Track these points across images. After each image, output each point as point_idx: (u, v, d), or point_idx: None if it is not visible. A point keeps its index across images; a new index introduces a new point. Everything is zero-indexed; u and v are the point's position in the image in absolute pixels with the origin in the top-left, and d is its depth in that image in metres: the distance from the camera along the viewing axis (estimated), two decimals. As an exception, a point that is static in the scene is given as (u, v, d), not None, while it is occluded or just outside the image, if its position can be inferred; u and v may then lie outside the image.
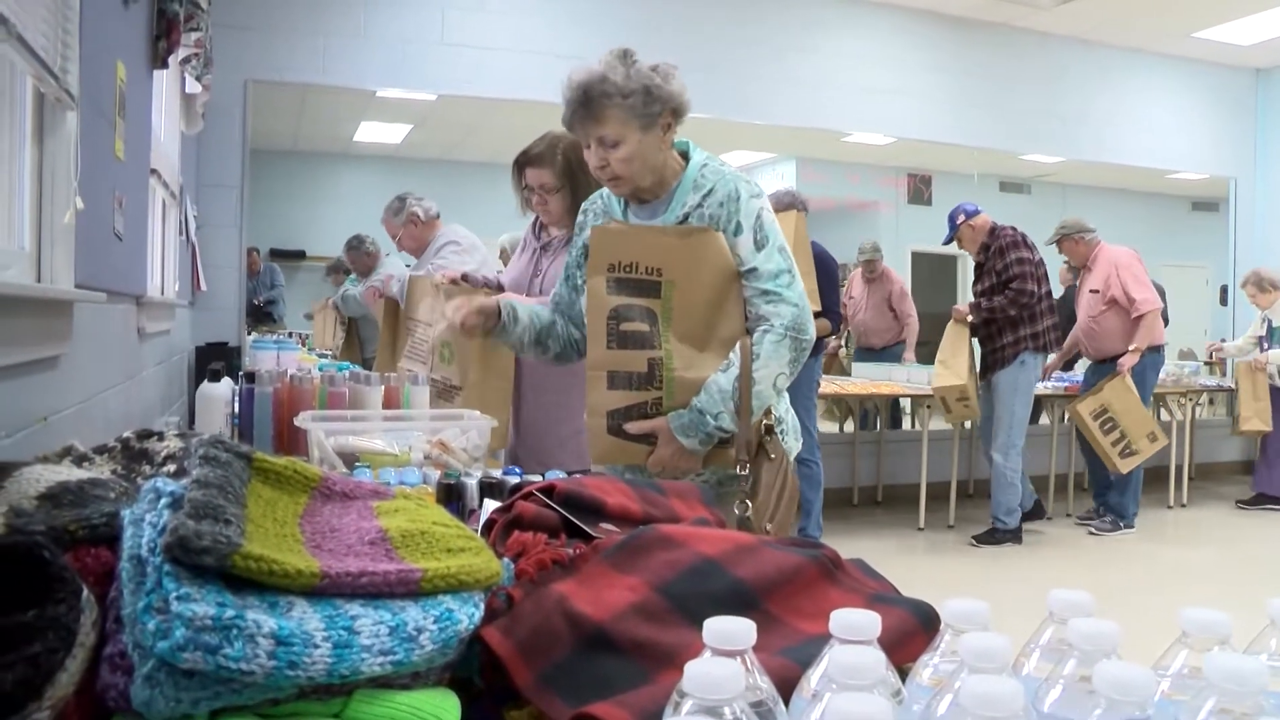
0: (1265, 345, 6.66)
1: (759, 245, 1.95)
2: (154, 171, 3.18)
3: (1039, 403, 6.36)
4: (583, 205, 2.20)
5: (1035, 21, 7.04)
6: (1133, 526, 5.96)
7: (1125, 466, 5.79)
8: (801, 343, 1.95)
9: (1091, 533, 5.96)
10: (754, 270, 1.94)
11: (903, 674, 0.66)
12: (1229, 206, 8.16)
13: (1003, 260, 5.44)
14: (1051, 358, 5.90)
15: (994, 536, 5.61)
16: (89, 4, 1.96)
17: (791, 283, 1.96)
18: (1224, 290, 8.28)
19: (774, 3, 6.37)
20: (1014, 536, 5.61)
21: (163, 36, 2.99)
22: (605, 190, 2.11)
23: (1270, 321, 6.64)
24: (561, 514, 0.94)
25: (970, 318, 5.54)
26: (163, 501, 0.78)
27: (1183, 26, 7.11)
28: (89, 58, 1.96)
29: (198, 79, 3.63)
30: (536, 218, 2.87)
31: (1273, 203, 8.07)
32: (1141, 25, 7.07)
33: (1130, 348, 5.77)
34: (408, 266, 4.87)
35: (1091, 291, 5.97)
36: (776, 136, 6.73)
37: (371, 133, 6.51)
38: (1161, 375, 6.82)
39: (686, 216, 1.96)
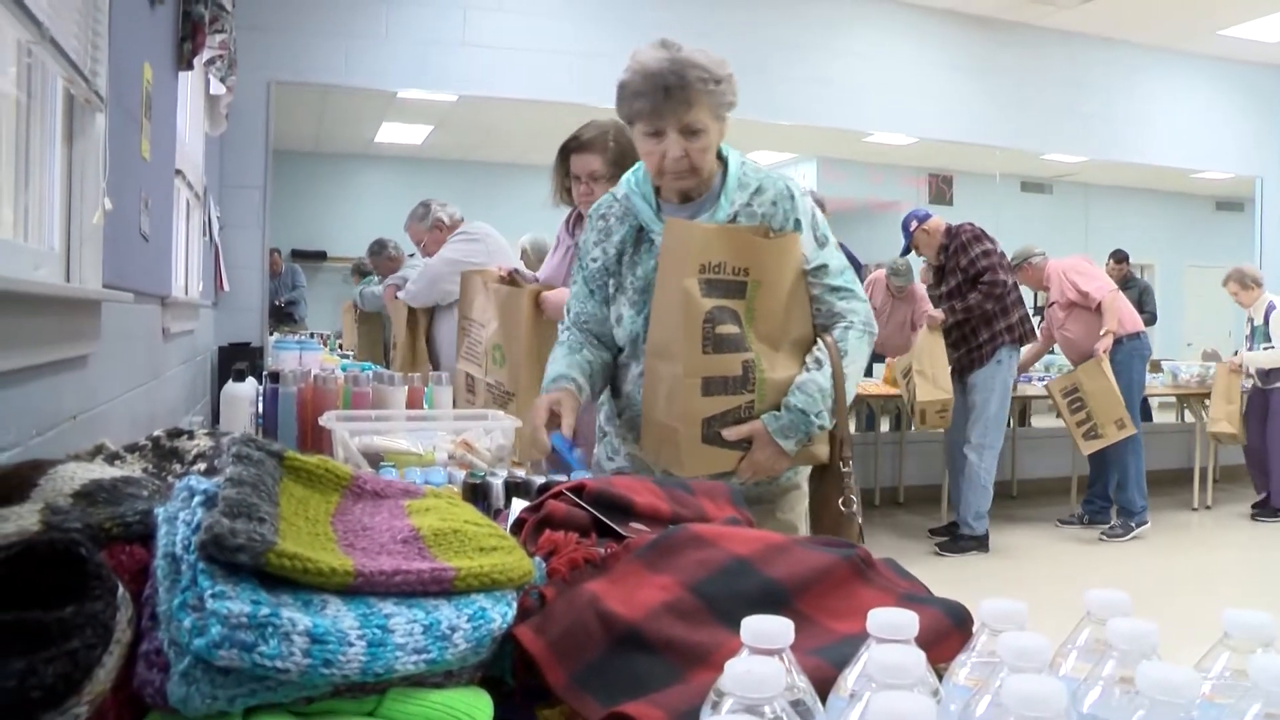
0: (1249, 345, 6.50)
1: (820, 242, 1.94)
2: (179, 172, 3.20)
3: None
4: (594, 209, 2.08)
5: (1057, 20, 6.99)
6: (1146, 522, 5.85)
7: (1087, 449, 5.71)
8: (873, 338, 1.96)
9: (1102, 539, 5.83)
10: (823, 267, 1.91)
11: (937, 674, 0.66)
12: (1255, 206, 8.08)
13: (966, 255, 5.33)
14: (1025, 352, 5.86)
15: (958, 544, 5.45)
16: (118, 6, 1.98)
17: (855, 278, 1.97)
18: (1250, 290, 8.20)
19: (795, 3, 6.35)
20: (980, 544, 5.45)
21: (188, 38, 3.01)
22: (624, 190, 2.02)
23: (1253, 320, 6.47)
24: (592, 513, 0.94)
25: (945, 321, 5.43)
26: (196, 499, 0.78)
27: (1208, 24, 7.05)
28: (117, 60, 1.98)
29: (222, 80, 3.65)
30: (571, 213, 2.80)
31: (1299, 202, 8.00)
32: (1165, 23, 7.02)
33: (1101, 332, 5.66)
34: None
35: (1050, 305, 5.95)
36: (798, 136, 6.72)
37: (392, 134, 6.54)
38: (1186, 376, 6.77)
39: (735, 216, 1.91)
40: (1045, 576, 5.11)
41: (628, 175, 2.03)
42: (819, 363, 1.87)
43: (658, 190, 1.97)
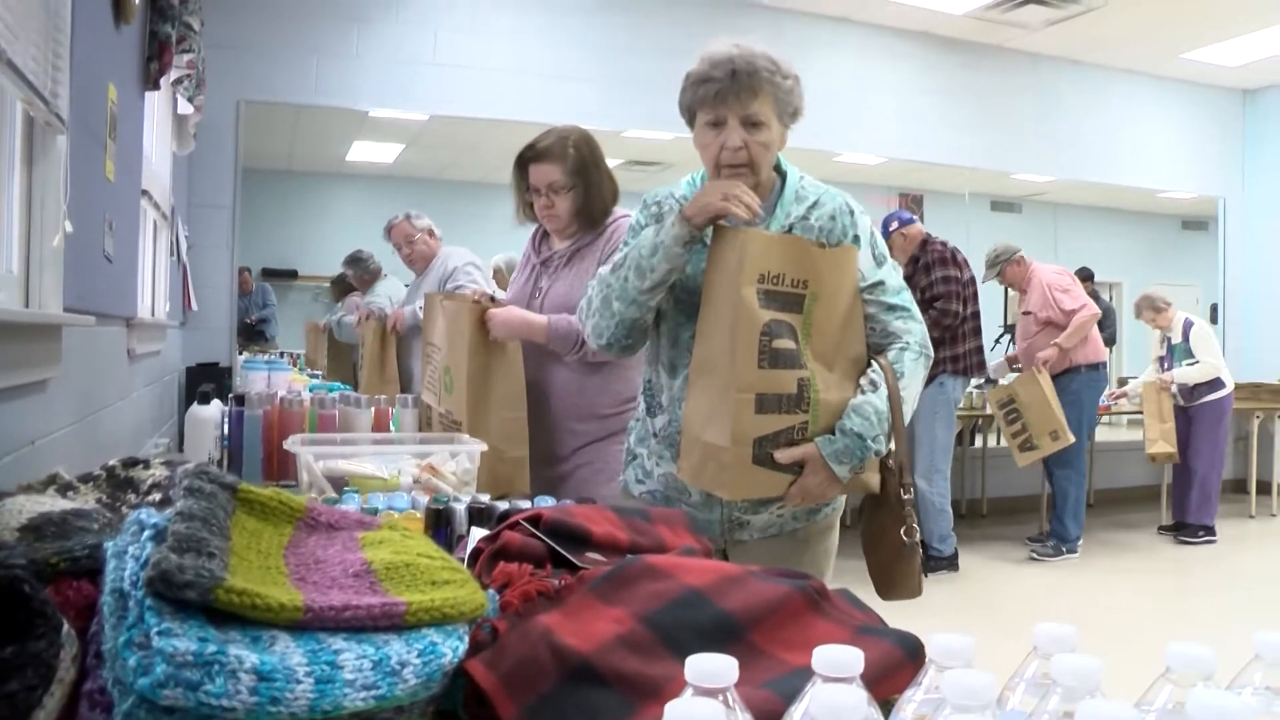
0: (1166, 365, 6.50)
1: (878, 260, 1.87)
2: (145, 193, 3.18)
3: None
4: (649, 196, 1.97)
5: (1026, 42, 7.09)
6: (1076, 551, 5.81)
7: (1022, 461, 5.68)
8: (929, 361, 1.89)
9: (1033, 557, 5.81)
10: (880, 284, 1.85)
11: (888, 706, 0.66)
12: (1218, 226, 8.20)
13: (928, 277, 5.27)
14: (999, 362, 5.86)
15: (927, 565, 5.38)
16: (80, 27, 1.96)
17: (912, 299, 1.90)
18: (1214, 309, 8.31)
19: (766, 24, 6.40)
20: (950, 564, 5.43)
21: (155, 58, 3.00)
22: (683, 190, 1.93)
23: (1170, 340, 6.48)
24: (547, 544, 0.94)
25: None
26: (146, 534, 0.78)
27: (1171, 48, 7.17)
28: (80, 80, 1.96)
29: (190, 100, 3.64)
30: (536, 231, 2.63)
31: (1261, 222, 8.12)
32: (1131, 46, 7.13)
33: (1053, 341, 5.64)
34: (406, 285, 4.84)
35: (1024, 314, 5.90)
36: (768, 156, 6.74)
37: (364, 152, 6.52)
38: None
39: (791, 229, 1.83)
40: (1013, 595, 5.14)
41: (688, 176, 1.96)
42: (874, 385, 1.78)
43: None
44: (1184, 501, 6.43)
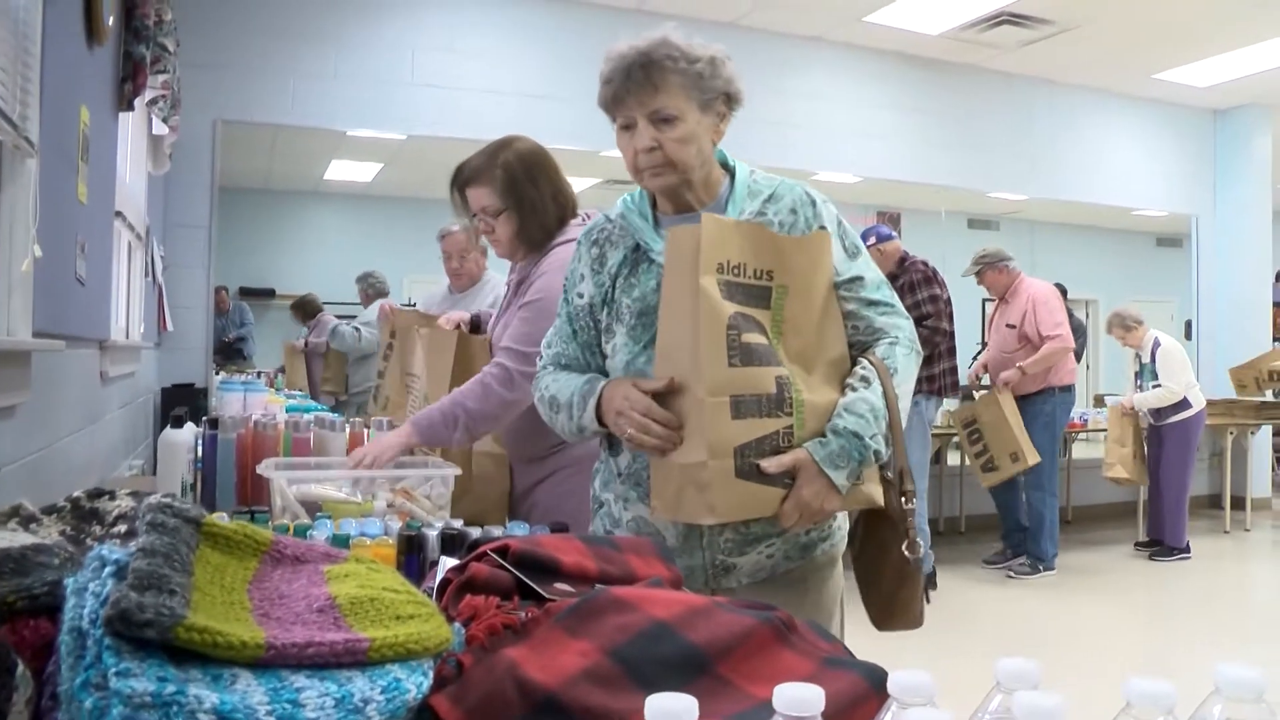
0: (1139, 384, 6.51)
1: (851, 253, 1.69)
2: (119, 214, 3.17)
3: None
4: (584, 234, 1.81)
5: (1001, 63, 7.16)
6: (1053, 569, 5.82)
7: (986, 481, 5.66)
8: (920, 358, 1.71)
9: (1010, 575, 5.80)
10: (858, 279, 1.66)
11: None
12: (1191, 243, 8.29)
13: (913, 296, 5.22)
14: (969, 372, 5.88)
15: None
16: (51, 49, 1.96)
17: (894, 293, 1.72)
18: (1189, 325, 8.39)
19: (742, 44, 6.43)
20: (928, 582, 5.42)
21: (129, 79, 2.99)
22: (619, 209, 1.77)
23: (1140, 357, 6.50)
24: (515, 575, 0.93)
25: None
26: (107, 570, 0.77)
27: (1143, 69, 7.26)
28: (51, 103, 1.96)
29: (165, 120, 3.62)
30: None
31: (1232, 239, 8.22)
32: (1103, 67, 7.21)
33: (1018, 364, 5.63)
34: (410, 304, 4.65)
35: (1008, 326, 5.84)
36: (746, 175, 6.77)
37: (342, 171, 6.52)
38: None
39: None
40: (990, 614, 5.15)
41: (624, 196, 1.78)
42: (866, 381, 1.59)
43: (654, 205, 1.74)
44: (1158, 519, 6.45)
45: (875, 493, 1.61)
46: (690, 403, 1.51)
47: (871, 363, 1.61)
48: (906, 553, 1.62)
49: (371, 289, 5.82)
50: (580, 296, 1.76)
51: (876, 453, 1.56)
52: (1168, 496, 6.35)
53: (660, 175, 1.64)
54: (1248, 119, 8.12)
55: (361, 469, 2.11)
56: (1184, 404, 6.31)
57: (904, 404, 1.62)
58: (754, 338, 1.51)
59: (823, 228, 1.66)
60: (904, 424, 1.62)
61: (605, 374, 1.73)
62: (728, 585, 1.66)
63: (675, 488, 1.53)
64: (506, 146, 2.30)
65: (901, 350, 1.65)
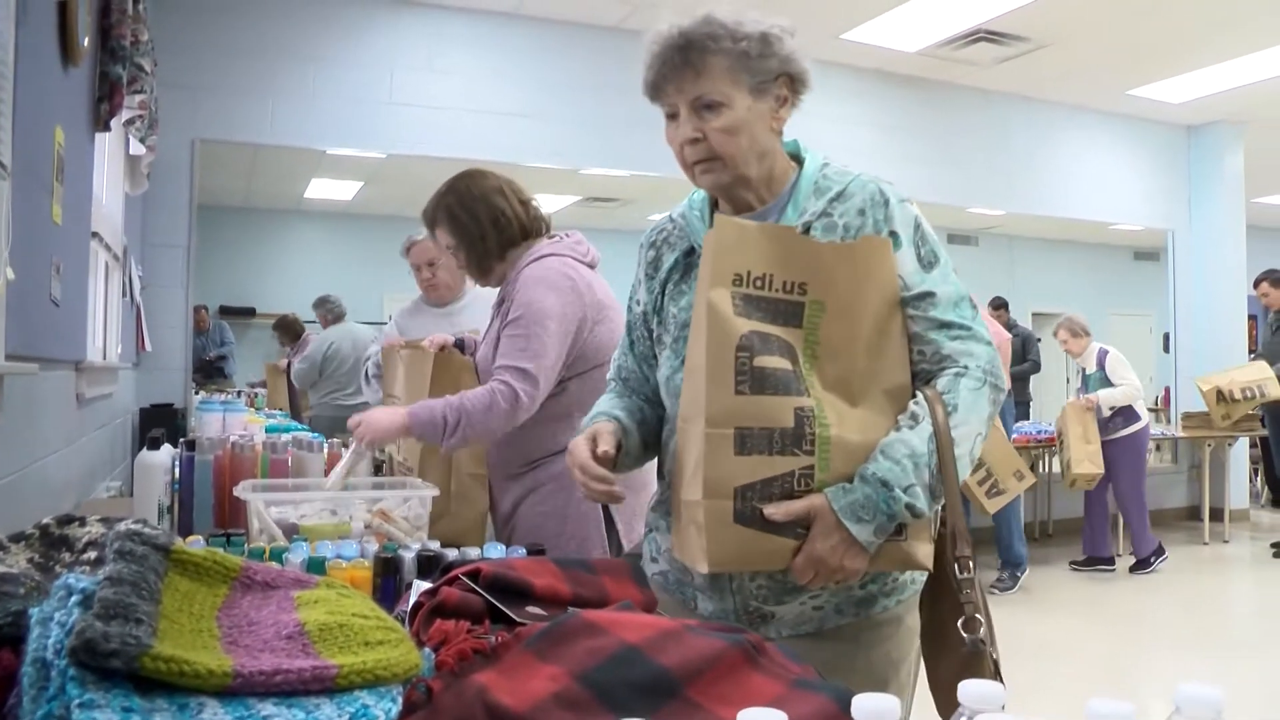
0: (1082, 393, 6.46)
1: (926, 264, 1.45)
2: (95, 234, 3.15)
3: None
4: (644, 238, 1.65)
5: (977, 79, 7.22)
6: (1025, 569, 5.82)
7: (993, 506, 5.55)
8: (1000, 394, 1.44)
9: (993, 590, 5.73)
10: (928, 296, 1.42)
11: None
12: (1168, 257, 8.37)
13: None
14: None
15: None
16: (25, 70, 1.95)
17: (976, 315, 1.47)
18: (1166, 338, 8.46)
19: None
20: None
21: (105, 99, 2.98)
22: (681, 209, 1.60)
23: (1084, 370, 6.47)
24: (486, 599, 0.93)
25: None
26: (73, 599, 0.77)
27: (1118, 85, 7.34)
28: (24, 124, 1.95)
29: (142, 141, 3.61)
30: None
31: (1208, 253, 8.30)
32: (1078, 83, 7.28)
33: None
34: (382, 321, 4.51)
35: None
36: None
37: (322, 189, 6.51)
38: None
39: (808, 227, 1.45)
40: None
41: (693, 194, 1.61)
42: (914, 419, 1.35)
43: (714, 205, 1.56)
44: (1096, 535, 6.38)
45: (920, 553, 1.36)
46: (693, 433, 1.35)
47: (928, 398, 1.37)
48: (964, 632, 1.35)
49: (330, 314, 5.79)
50: (638, 304, 1.64)
51: (910, 507, 1.30)
52: (1132, 512, 6.32)
53: (710, 171, 1.46)
54: (1220, 135, 8.22)
55: (355, 436, 2.20)
56: (1133, 416, 6.29)
57: (963, 449, 1.36)
58: (772, 361, 1.32)
59: (893, 233, 1.44)
60: (963, 473, 1.36)
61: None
62: (767, 635, 1.30)
63: (682, 523, 1.38)
64: (450, 189, 2.39)
65: (969, 383, 1.39)
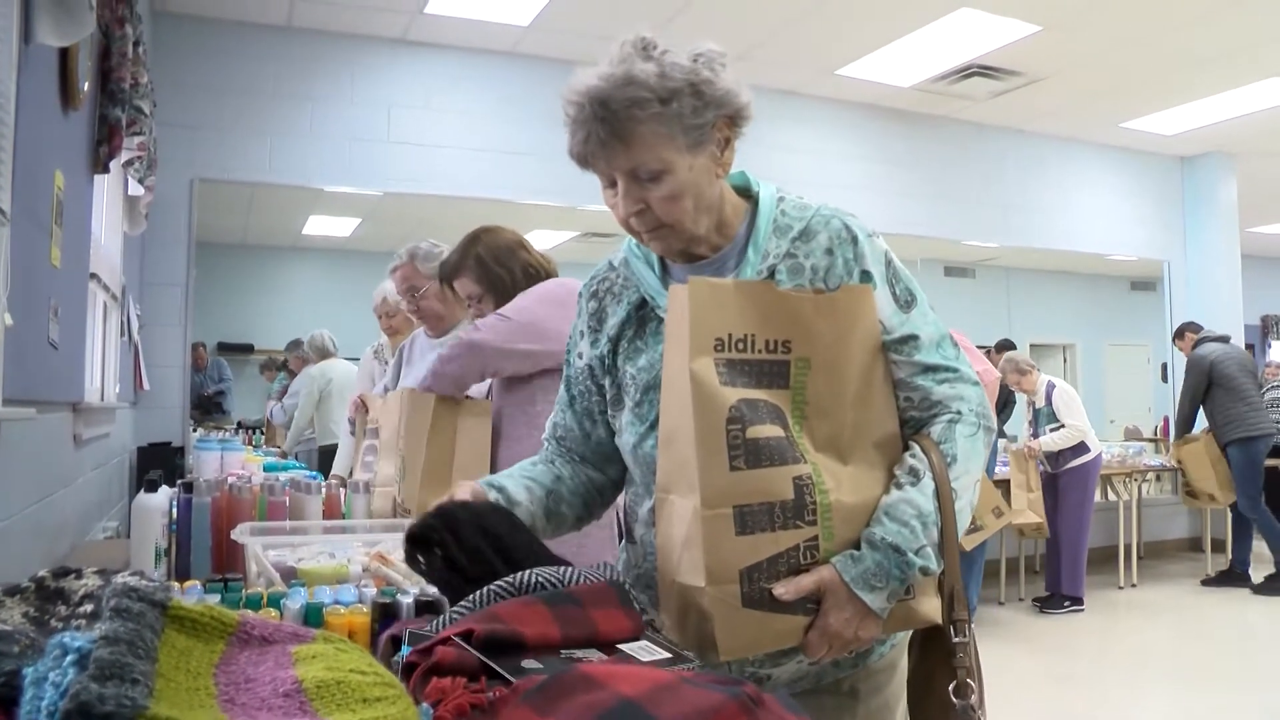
0: (1033, 429, 6.42)
1: (903, 303, 1.38)
2: (94, 275, 3.16)
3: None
4: (584, 288, 1.54)
5: (972, 113, 7.29)
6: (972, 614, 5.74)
7: (970, 543, 5.43)
8: (991, 435, 1.38)
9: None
10: (911, 339, 1.36)
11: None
12: (1164, 287, 8.41)
13: None
14: None
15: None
16: (26, 116, 1.97)
17: (959, 353, 1.40)
18: (1164, 368, 8.47)
19: (717, 97, 6.53)
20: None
21: (105, 142, 3.00)
22: (623, 254, 1.49)
23: (1034, 404, 6.43)
24: (480, 659, 0.93)
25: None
26: (69, 659, 0.76)
27: (1111, 117, 7.40)
28: (24, 169, 1.96)
29: (141, 181, 3.64)
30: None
31: (1203, 283, 8.33)
32: (1072, 116, 7.35)
33: None
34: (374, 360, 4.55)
35: None
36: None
37: (320, 226, 6.54)
38: (1108, 455, 6.87)
39: (773, 272, 1.35)
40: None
41: (630, 239, 1.46)
42: (915, 475, 1.29)
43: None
44: (1057, 571, 6.26)
45: (927, 609, 1.31)
46: (681, 509, 1.25)
47: (924, 448, 1.31)
48: (954, 697, 1.30)
49: (314, 354, 5.71)
50: (579, 358, 1.52)
51: (924, 569, 1.26)
52: (1066, 545, 6.18)
53: (661, 238, 1.35)
54: (1213, 166, 8.28)
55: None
56: (1082, 448, 6.21)
57: (964, 501, 1.31)
58: (764, 430, 1.23)
59: (865, 272, 1.36)
60: (963, 526, 1.32)
61: (605, 445, 1.52)
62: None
63: (678, 608, 1.27)
64: (477, 240, 2.56)
65: (964, 430, 1.33)
